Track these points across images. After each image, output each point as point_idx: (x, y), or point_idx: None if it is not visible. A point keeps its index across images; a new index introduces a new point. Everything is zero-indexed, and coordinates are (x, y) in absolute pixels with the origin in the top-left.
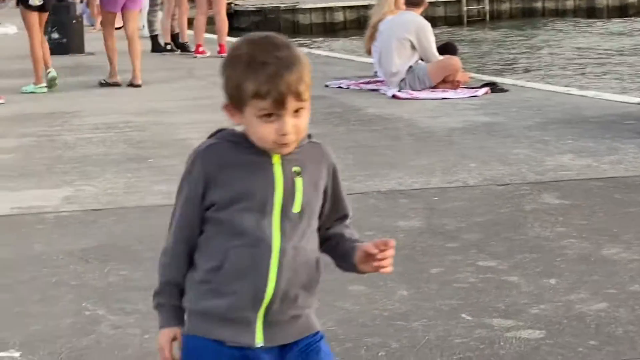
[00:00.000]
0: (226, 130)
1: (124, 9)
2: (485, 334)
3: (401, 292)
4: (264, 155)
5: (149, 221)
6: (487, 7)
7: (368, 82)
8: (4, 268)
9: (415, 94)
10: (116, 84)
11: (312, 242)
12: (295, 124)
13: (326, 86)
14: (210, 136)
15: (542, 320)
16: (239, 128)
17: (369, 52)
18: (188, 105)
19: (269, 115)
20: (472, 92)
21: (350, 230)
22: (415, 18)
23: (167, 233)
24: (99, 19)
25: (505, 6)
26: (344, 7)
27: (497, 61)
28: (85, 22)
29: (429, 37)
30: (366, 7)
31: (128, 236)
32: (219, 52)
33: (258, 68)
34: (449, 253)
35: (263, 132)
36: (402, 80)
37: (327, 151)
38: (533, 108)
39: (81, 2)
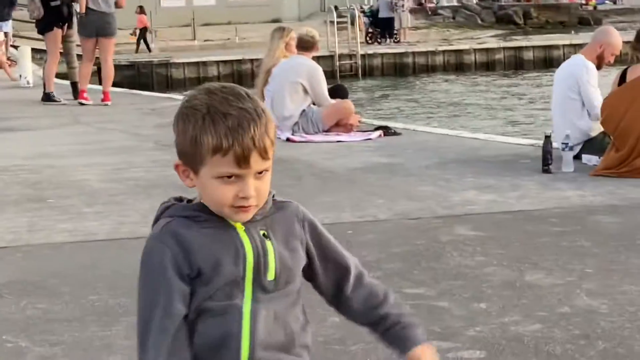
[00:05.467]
0: (174, 206)
1: None
2: None
3: (332, 318)
4: (225, 224)
5: (59, 258)
6: (359, 62)
7: None
8: None
9: (309, 137)
10: None
11: (297, 307)
12: (258, 187)
13: None
14: (158, 216)
15: (480, 342)
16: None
17: (262, 97)
18: (79, 149)
19: (229, 176)
20: (365, 135)
21: (388, 305)
22: (306, 62)
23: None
24: None
25: (377, 61)
26: (217, 62)
27: (381, 109)
28: None
29: (321, 81)
30: (240, 61)
31: (40, 272)
32: (103, 100)
33: (218, 120)
34: None
35: (221, 195)
36: (296, 123)
37: (297, 208)
38: (428, 150)
39: None
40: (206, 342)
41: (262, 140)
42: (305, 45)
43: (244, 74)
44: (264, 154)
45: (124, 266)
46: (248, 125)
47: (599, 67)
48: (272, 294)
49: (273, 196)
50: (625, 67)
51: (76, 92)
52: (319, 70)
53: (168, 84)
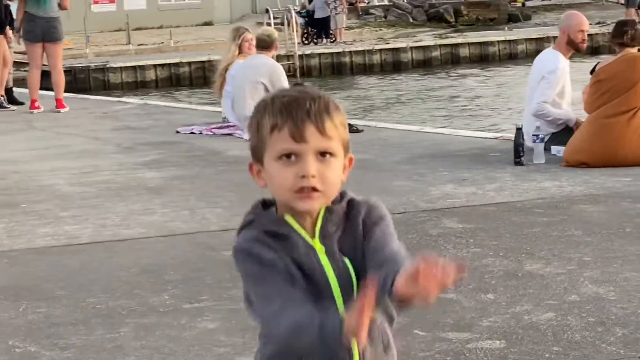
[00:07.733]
0: (261, 217)
1: None
2: (447, 346)
3: None
4: (305, 244)
5: (47, 262)
6: (297, 63)
7: (220, 127)
8: None
9: None
10: None
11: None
12: (321, 171)
13: (177, 132)
14: (243, 227)
15: (497, 332)
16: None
17: (220, 97)
18: (41, 154)
19: (288, 156)
20: None
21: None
22: (267, 61)
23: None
24: None
25: (315, 61)
26: (154, 65)
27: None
28: None
29: (282, 79)
30: (177, 64)
31: (31, 277)
32: (57, 107)
33: (277, 100)
34: None
35: (282, 177)
36: None
37: (361, 206)
38: (395, 145)
39: None
40: None
41: (319, 115)
42: (263, 44)
43: (182, 77)
44: (322, 129)
45: (116, 268)
46: (304, 100)
47: (579, 50)
48: None
49: (350, 200)
50: (598, 61)
51: (11, 96)
52: (279, 68)
53: (106, 88)
